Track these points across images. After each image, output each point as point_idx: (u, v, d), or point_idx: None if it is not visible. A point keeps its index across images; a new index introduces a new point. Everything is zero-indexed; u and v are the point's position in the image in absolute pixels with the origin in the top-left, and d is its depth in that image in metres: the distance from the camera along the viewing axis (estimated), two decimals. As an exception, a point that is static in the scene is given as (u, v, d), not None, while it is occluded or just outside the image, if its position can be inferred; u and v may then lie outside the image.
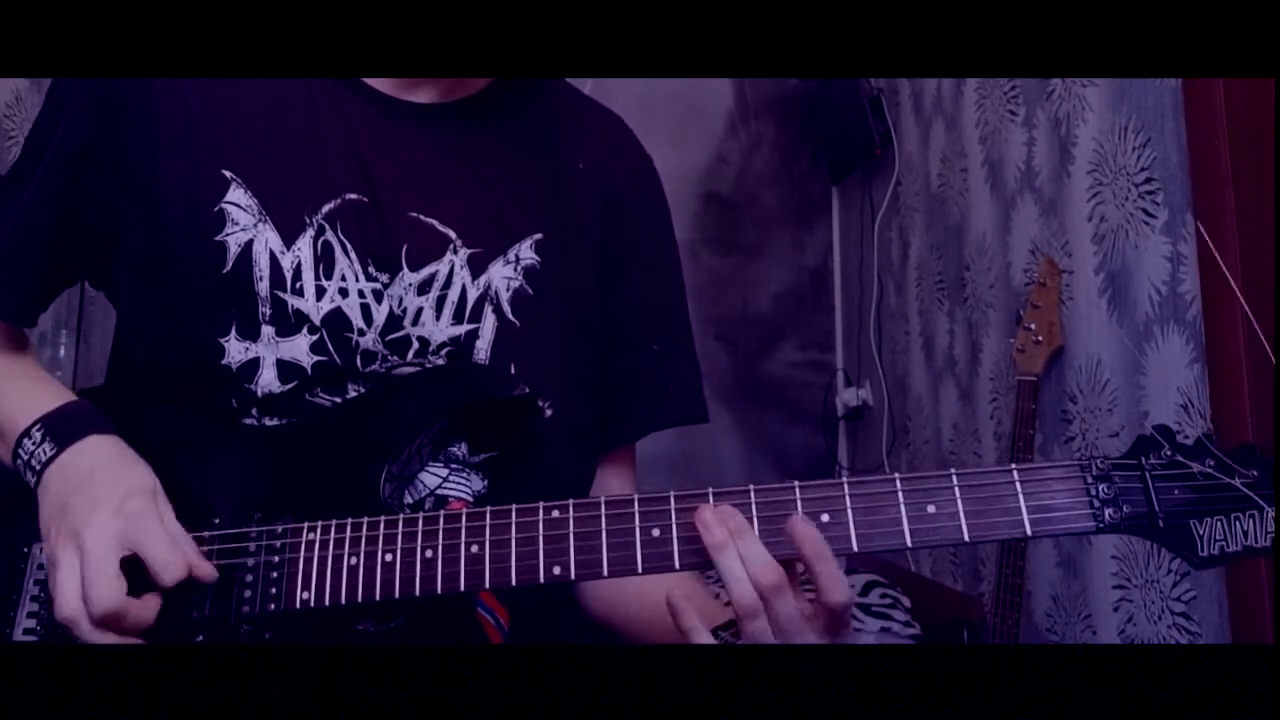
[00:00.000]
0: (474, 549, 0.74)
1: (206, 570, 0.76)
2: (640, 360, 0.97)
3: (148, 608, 0.74)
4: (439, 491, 0.86)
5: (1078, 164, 1.76)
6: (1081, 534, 0.77)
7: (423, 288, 0.86)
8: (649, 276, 0.98)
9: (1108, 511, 0.70)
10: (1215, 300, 1.38)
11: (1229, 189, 1.37)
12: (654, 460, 1.01)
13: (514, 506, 0.75)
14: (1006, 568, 1.69)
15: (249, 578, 0.77)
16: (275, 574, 0.77)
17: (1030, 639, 1.83)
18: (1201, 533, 0.69)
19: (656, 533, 0.72)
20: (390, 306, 0.85)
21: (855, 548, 0.71)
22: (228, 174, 0.83)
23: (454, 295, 0.86)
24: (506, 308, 0.88)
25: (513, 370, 0.86)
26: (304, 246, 0.83)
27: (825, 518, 0.71)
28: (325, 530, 0.77)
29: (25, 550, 0.84)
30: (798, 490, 0.72)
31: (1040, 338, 1.77)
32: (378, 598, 0.75)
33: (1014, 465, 0.72)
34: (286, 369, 0.83)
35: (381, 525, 0.76)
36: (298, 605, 0.76)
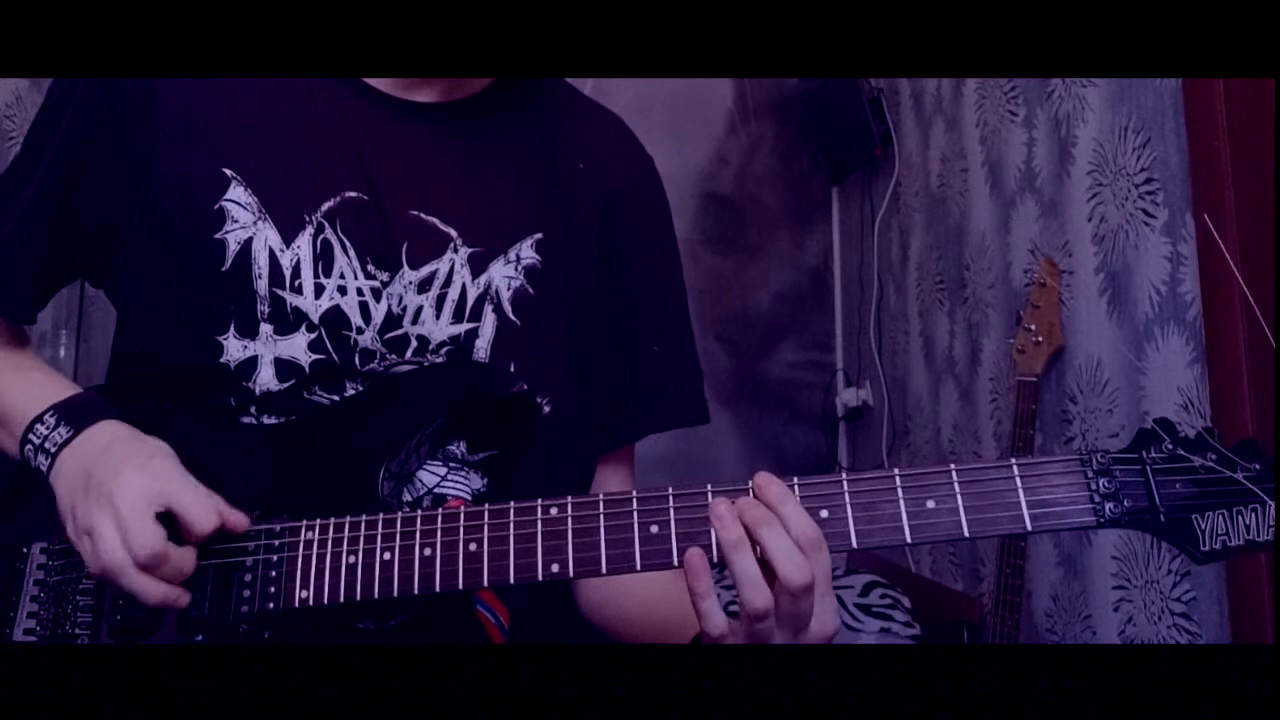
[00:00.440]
0: (472, 547, 0.74)
1: (239, 519, 0.77)
2: (640, 361, 0.97)
3: (186, 556, 0.75)
4: (437, 490, 0.86)
5: (1078, 164, 1.76)
6: (1082, 529, 0.76)
7: (423, 286, 0.86)
8: (649, 277, 0.98)
9: (1108, 506, 0.69)
10: (1215, 300, 1.38)
11: (1229, 189, 1.37)
12: (654, 460, 1.01)
13: (512, 504, 0.75)
14: (1006, 568, 1.69)
15: (248, 577, 0.77)
16: (274, 573, 0.77)
17: (1030, 639, 1.83)
18: (1203, 527, 0.68)
19: (655, 530, 0.72)
20: (389, 305, 0.85)
21: (855, 544, 0.71)
22: (228, 172, 0.83)
23: (454, 294, 0.86)
24: (507, 307, 0.88)
25: (512, 369, 0.86)
26: (303, 244, 0.83)
27: (824, 514, 0.71)
28: (324, 529, 0.77)
29: (25, 550, 0.84)
30: (796, 486, 0.72)
31: (1040, 338, 1.77)
32: (376, 596, 0.75)
33: (1014, 460, 0.71)
34: (284, 367, 0.83)
35: (380, 524, 0.76)
36: (297, 604, 0.76)
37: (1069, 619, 1.77)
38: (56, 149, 0.87)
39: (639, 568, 0.72)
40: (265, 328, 0.83)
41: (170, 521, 0.75)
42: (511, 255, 0.89)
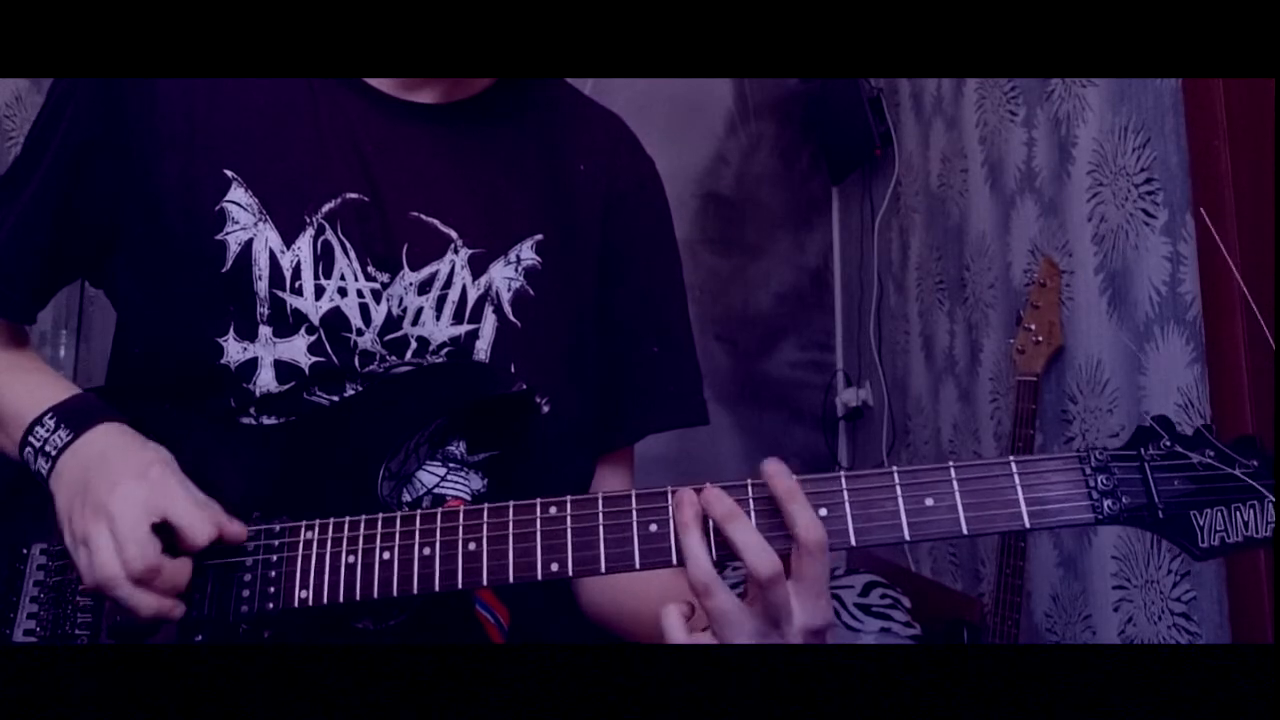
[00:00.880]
0: (471, 546, 0.74)
1: (236, 530, 0.77)
2: (640, 362, 0.97)
3: (182, 568, 0.75)
4: (437, 490, 0.86)
5: (1078, 164, 1.76)
6: (1080, 526, 0.76)
7: (423, 287, 0.86)
8: (649, 278, 0.98)
9: (1106, 503, 0.69)
10: (1215, 300, 1.38)
11: (1229, 189, 1.37)
12: (654, 461, 1.01)
13: (511, 504, 0.75)
14: (1006, 568, 1.69)
15: (247, 577, 0.77)
16: (273, 573, 0.77)
17: (1030, 639, 1.83)
18: (1201, 523, 0.68)
19: (654, 528, 0.72)
20: (389, 306, 0.85)
21: (853, 541, 0.71)
22: (228, 173, 0.83)
23: (454, 295, 0.86)
24: (507, 308, 0.88)
25: (512, 370, 0.86)
26: (304, 246, 0.83)
27: (823, 512, 0.70)
28: (323, 529, 0.77)
29: (25, 551, 0.84)
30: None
31: (1040, 338, 1.77)
32: (376, 596, 0.75)
33: (1012, 458, 0.71)
34: (284, 370, 0.83)
35: (379, 524, 0.76)
36: (296, 604, 0.76)
37: (1069, 619, 1.77)
38: (57, 149, 0.87)
39: (638, 566, 0.72)
40: (264, 330, 0.83)
41: (167, 531, 0.75)
42: (512, 256, 0.89)
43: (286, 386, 0.83)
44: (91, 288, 0.97)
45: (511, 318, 0.88)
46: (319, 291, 0.83)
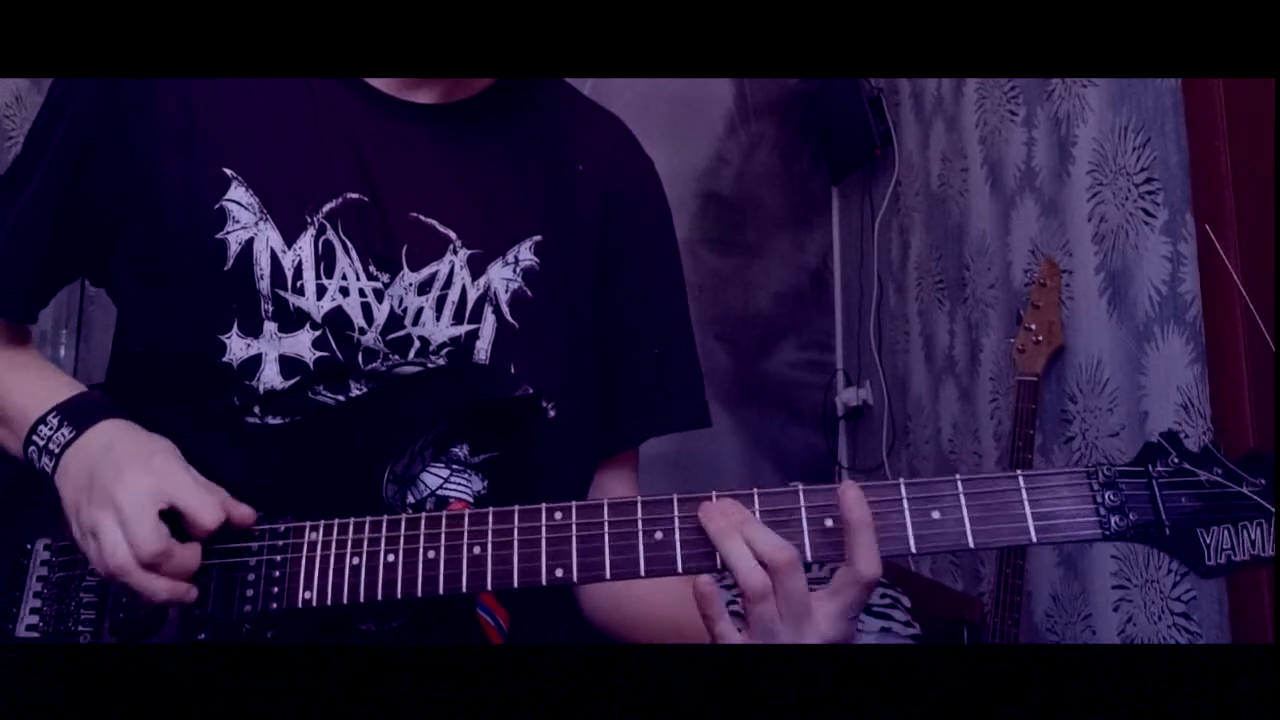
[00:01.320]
0: (476, 550, 0.74)
1: (244, 513, 0.77)
2: (641, 363, 0.96)
3: (191, 552, 0.75)
4: (440, 492, 0.86)
5: (1078, 164, 1.76)
6: (1087, 541, 0.76)
7: (423, 288, 0.86)
8: (649, 279, 0.98)
9: (1114, 519, 0.69)
10: (1215, 300, 1.38)
11: (1229, 189, 1.37)
12: (654, 461, 1.01)
13: (516, 508, 0.75)
14: (1006, 568, 1.69)
15: (251, 577, 0.77)
16: (277, 573, 0.77)
17: (1030, 639, 1.83)
18: (1208, 541, 0.68)
19: (659, 535, 0.72)
20: (391, 306, 0.85)
21: None
22: (229, 172, 0.83)
23: (454, 295, 0.86)
24: (505, 309, 0.88)
25: (512, 371, 0.86)
26: (305, 245, 0.83)
27: (829, 522, 0.70)
28: (328, 530, 0.77)
29: (29, 547, 0.84)
30: (801, 494, 0.72)
31: (1040, 338, 1.77)
32: (380, 598, 0.75)
33: (1019, 472, 0.71)
34: (289, 364, 0.83)
35: (384, 525, 0.76)
36: (300, 605, 0.76)
37: (1069, 619, 1.77)
38: (57, 149, 0.87)
39: (643, 573, 0.72)
40: (269, 325, 0.83)
41: (175, 519, 0.75)
42: (510, 257, 0.89)
43: (291, 382, 0.83)
44: (91, 287, 0.97)
45: (510, 319, 0.88)
46: (320, 291, 0.83)
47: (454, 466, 0.87)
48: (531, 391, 0.83)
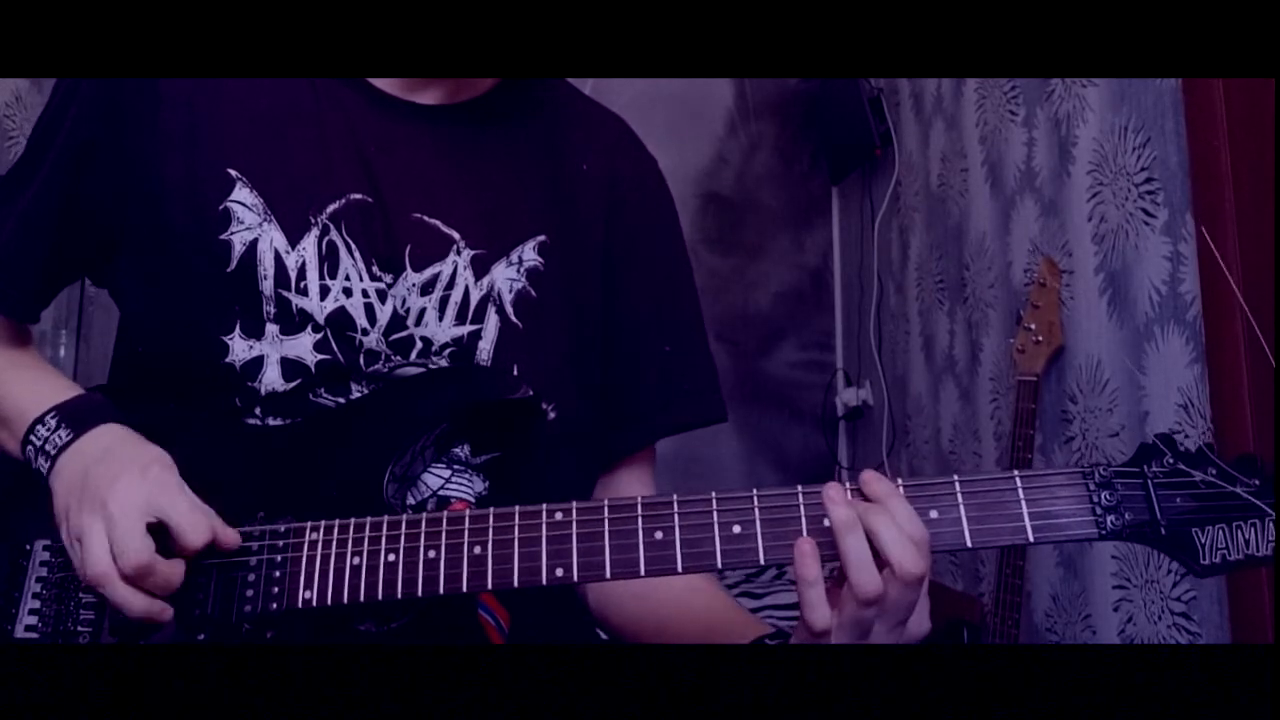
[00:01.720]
0: (477, 550, 0.74)
1: (230, 537, 0.77)
2: (653, 361, 0.96)
3: (175, 568, 0.74)
4: (441, 492, 0.86)
5: (1078, 164, 1.76)
6: (1083, 541, 0.76)
7: (426, 288, 0.86)
8: (655, 277, 0.98)
9: (1110, 519, 0.70)
10: (1215, 300, 1.38)
11: (1229, 189, 1.37)
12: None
13: (517, 508, 0.75)
14: (1006, 568, 1.69)
15: (251, 577, 0.77)
16: (277, 573, 0.77)
17: (1030, 639, 1.83)
18: (1203, 541, 0.69)
19: (659, 535, 0.72)
20: (394, 306, 0.85)
21: None
22: (233, 173, 0.83)
23: (457, 296, 0.86)
24: (509, 309, 0.88)
25: (515, 371, 0.86)
26: (308, 246, 0.83)
27: (827, 522, 0.71)
28: (328, 530, 0.77)
29: (27, 548, 0.84)
30: (801, 495, 0.72)
31: (1040, 338, 1.77)
32: (380, 598, 0.75)
33: (1016, 472, 0.72)
34: (290, 367, 0.83)
35: (384, 525, 0.76)
36: (300, 605, 0.76)
37: (1069, 619, 1.77)
38: (60, 148, 0.87)
39: (643, 573, 0.72)
40: (271, 328, 0.83)
41: (163, 532, 0.75)
42: (514, 257, 0.89)
43: (292, 385, 0.83)
44: (92, 287, 0.97)
45: (514, 319, 0.88)
46: (324, 292, 0.83)
47: (455, 467, 0.87)
48: (531, 393, 0.83)
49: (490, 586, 0.74)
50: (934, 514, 0.71)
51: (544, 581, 0.73)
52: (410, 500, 0.85)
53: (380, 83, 0.89)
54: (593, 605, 0.96)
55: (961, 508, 0.71)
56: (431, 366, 0.86)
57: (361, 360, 0.84)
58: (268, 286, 0.83)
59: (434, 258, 0.86)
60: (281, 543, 0.78)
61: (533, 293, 0.89)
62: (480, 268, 0.87)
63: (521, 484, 0.86)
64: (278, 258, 0.83)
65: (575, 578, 0.73)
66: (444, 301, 0.86)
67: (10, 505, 0.87)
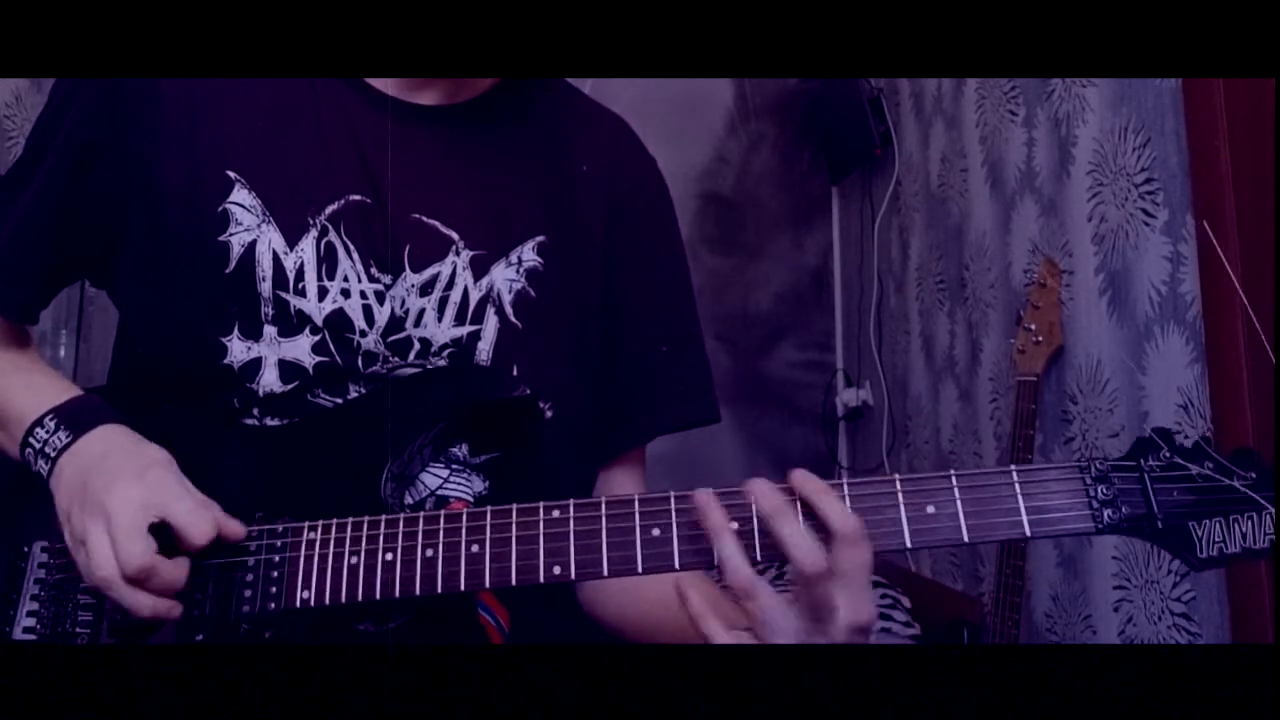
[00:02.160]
0: (474, 548, 0.74)
1: (235, 529, 0.77)
2: (649, 362, 0.96)
3: (179, 568, 0.74)
4: (440, 492, 0.86)
5: (1078, 164, 1.76)
6: (1080, 535, 0.76)
7: (425, 289, 0.86)
8: (655, 277, 0.98)
9: (1106, 512, 0.70)
10: (1215, 300, 1.38)
11: (1229, 189, 1.37)
12: (653, 461, 1.01)
13: (514, 506, 0.75)
14: (1006, 568, 1.69)
15: (249, 577, 0.77)
16: (275, 573, 0.77)
17: (1030, 639, 1.83)
18: (1200, 534, 0.69)
19: (656, 532, 0.73)
20: (392, 308, 0.85)
21: None
22: (232, 174, 0.83)
23: (456, 297, 0.86)
24: (509, 309, 0.88)
25: (515, 372, 0.86)
26: (307, 247, 0.83)
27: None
28: (326, 530, 0.77)
29: (26, 549, 0.84)
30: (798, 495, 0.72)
31: (1040, 338, 1.77)
32: (378, 597, 0.75)
33: (1013, 466, 0.72)
34: (288, 369, 0.83)
35: (382, 525, 0.76)
36: (298, 604, 0.76)
37: (1069, 619, 1.77)
38: (59, 149, 0.87)
39: (640, 570, 0.72)
40: (269, 329, 0.83)
41: (166, 532, 0.75)
42: (513, 258, 0.89)
43: (290, 386, 0.83)
44: (92, 288, 0.97)
45: (513, 319, 0.88)
46: (322, 293, 0.83)
47: (454, 466, 0.87)
48: (529, 392, 0.83)
49: (488, 585, 0.74)
50: (931, 509, 0.71)
51: (541, 579, 0.73)
52: (408, 500, 0.85)
53: (379, 83, 0.89)
54: (581, 600, 0.96)
55: (958, 503, 0.71)
56: (429, 367, 0.86)
57: (360, 361, 0.84)
58: (266, 288, 0.83)
59: (433, 258, 0.86)
60: (279, 543, 0.78)
61: (532, 293, 0.89)
62: (479, 268, 0.87)
63: (521, 484, 0.86)
64: (276, 259, 0.83)
65: (573, 575, 0.73)
66: (443, 302, 0.86)
67: (10, 506, 0.87)
